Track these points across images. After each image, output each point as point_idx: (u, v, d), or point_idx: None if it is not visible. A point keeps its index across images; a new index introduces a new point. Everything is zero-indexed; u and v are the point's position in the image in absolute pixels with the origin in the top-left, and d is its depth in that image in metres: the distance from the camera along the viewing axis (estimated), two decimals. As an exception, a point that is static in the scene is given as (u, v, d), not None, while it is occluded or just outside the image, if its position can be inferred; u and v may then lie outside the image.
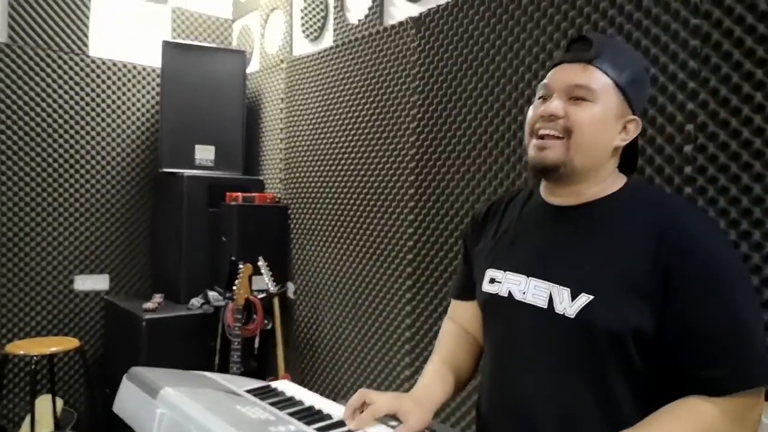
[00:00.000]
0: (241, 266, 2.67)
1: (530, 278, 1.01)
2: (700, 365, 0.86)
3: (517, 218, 1.11)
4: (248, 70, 3.59)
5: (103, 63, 3.40)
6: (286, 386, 1.20)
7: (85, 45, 3.35)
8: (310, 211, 3.00)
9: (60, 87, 3.26)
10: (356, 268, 2.64)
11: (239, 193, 3.14)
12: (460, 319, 1.23)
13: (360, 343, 2.61)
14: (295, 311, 3.10)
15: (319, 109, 2.95)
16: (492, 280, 1.08)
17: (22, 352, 2.68)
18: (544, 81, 1.02)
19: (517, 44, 1.91)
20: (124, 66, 3.46)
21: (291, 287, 3.15)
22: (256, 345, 2.73)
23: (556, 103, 0.97)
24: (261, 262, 2.76)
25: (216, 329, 2.86)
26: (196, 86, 3.29)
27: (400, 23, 2.40)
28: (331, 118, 2.86)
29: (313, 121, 3.00)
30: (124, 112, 3.48)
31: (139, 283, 3.55)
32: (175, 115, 3.24)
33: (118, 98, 3.46)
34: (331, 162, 2.85)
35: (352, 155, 2.69)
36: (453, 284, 1.31)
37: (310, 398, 1.12)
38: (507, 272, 1.05)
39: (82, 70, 3.33)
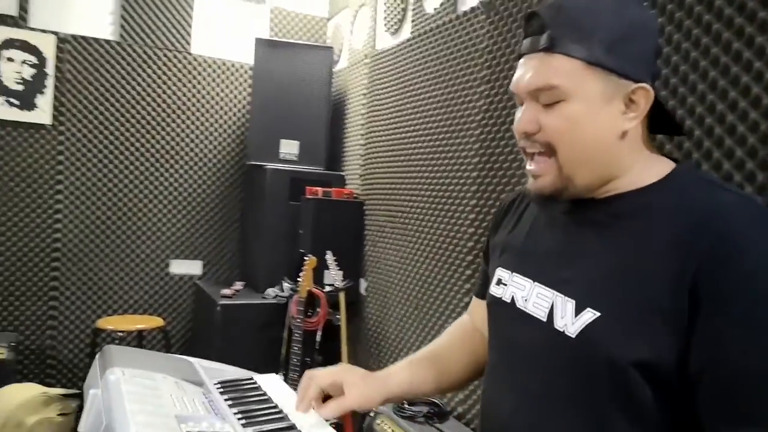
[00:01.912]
0: (306, 259, 2.67)
1: (535, 284, 0.84)
2: (719, 420, 0.66)
3: (538, 211, 0.93)
4: (338, 67, 3.61)
5: (204, 60, 3.59)
6: (270, 383, 1.13)
7: (188, 43, 3.56)
8: (384, 207, 2.93)
9: (164, 83, 3.50)
10: (420, 266, 2.52)
11: (319, 188, 3.15)
12: (476, 316, 1.10)
13: (423, 343, 2.48)
14: (366, 308, 3.04)
15: (396, 103, 2.87)
16: (499, 281, 0.93)
17: (110, 327, 2.90)
18: (511, 86, 0.83)
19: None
20: (223, 63, 3.64)
21: (363, 284, 3.10)
22: (318, 339, 2.71)
23: (526, 117, 0.78)
24: (329, 256, 2.74)
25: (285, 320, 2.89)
26: (285, 82, 3.36)
27: (472, 9, 2.25)
28: (405, 111, 2.76)
29: (390, 114, 2.92)
30: (222, 108, 3.65)
31: (228, 271, 3.71)
32: (263, 110, 3.33)
33: (217, 94, 3.64)
34: (403, 156, 2.76)
35: (422, 149, 2.58)
36: (476, 280, 1.17)
37: (285, 398, 1.04)
38: (513, 273, 0.90)
39: (184, 67, 3.55)
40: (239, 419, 0.86)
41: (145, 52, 3.44)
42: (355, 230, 3.15)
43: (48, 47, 3.21)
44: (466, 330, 1.08)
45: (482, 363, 1.02)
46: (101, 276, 3.39)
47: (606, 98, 0.75)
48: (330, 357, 2.85)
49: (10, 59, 3.13)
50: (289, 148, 3.36)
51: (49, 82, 3.22)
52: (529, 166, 0.82)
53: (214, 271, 3.67)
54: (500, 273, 0.94)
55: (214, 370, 1.14)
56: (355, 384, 0.91)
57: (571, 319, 0.76)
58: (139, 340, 3.21)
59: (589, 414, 0.74)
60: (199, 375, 1.04)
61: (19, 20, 3.14)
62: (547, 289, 0.82)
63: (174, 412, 0.78)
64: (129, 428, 0.69)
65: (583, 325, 0.74)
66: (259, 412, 0.92)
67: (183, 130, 3.56)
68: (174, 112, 3.53)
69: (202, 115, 3.61)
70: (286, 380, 2.64)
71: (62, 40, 3.24)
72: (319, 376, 0.93)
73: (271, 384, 1.12)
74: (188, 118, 3.57)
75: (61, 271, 3.30)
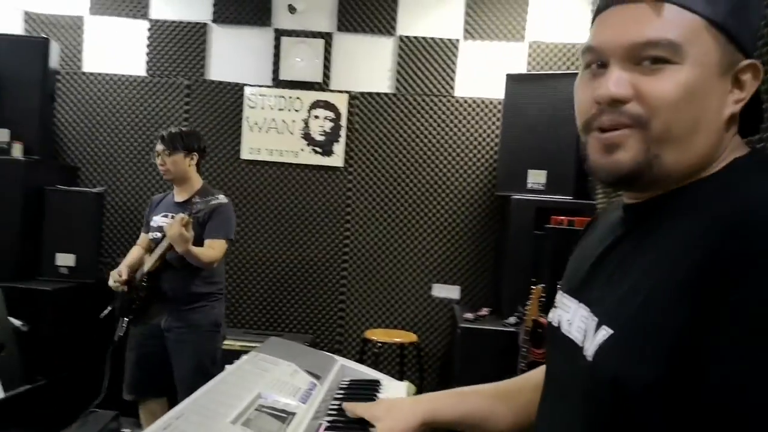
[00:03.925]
0: (533, 288, 2.65)
1: (580, 304, 0.75)
2: None
3: (601, 226, 0.86)
4: (594, 92, 3.48)
5: (465, 101, 3.90)
6: (394, 390, 1.26)
7: (452, 87, 3.93)
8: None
9: (430, 125, 3.93)
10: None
11: (564, 217, 3.09)
12: None
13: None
14: (609, 348, 2.82)
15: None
16: (554, 305, 0.87)
17: (374, 338, 3.37)
18: (589, 43, 0.69)
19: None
20: (482, 101, 3.89)
21: (608, 321, 2.88)
22: (545, 372, 2.64)
23: (617, 78, 0.64)
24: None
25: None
26: (535, 112, 3.41)
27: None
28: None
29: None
30: (479, 143, 3.90)
31: (483, 297, 3.87)
32: (512, 142, 3.45)
33: (476, 131, 3.90)
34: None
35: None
36: None
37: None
38: (564, 294, 0.84)
39: (447, 109, 3.92)
40: (327, 413, 1.03)
41: (415, 100, 3.94)
42: (600, 262, 2.96)
43: (342, 104, 3.96)
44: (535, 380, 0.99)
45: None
46: (376, 293, 3.95)
47: (722, 70, 0.63)
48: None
49: (316, 116, 3.98)
50: (536, 178, 3.38)
51: (342, 132, 3.96)
52: (599, 135, 0.68)
53: (471, 296, 3.89)
54: (557, 296, 0.87)
55: (353, 371, 1.33)
56: (381, 419, 0.93)
57: (591, 340, 0.67)
58: (400, 351, 3.62)
59: None
60: (329, 371, 1.25)
61: (323, 85, 3.98)
62: (585, 308, 0.73)
63: (262, 389, 1.00)
64: (211, 391, 0.94)
65: (597, 346, 0.65)
66: (345, 417, 1.06)
67: (445, 166, 3.92)
68: (437, 150, 3.92)
69: (462, 151, 3.91)
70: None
71: (352, 97, 3.96)
72: (358, 407, 0.98)
73: (395, 391, 1.26)
74: (449, 154, 3.92)
75: (347, 287, 3.97)
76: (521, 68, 3.84)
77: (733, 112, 0.65)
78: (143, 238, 2.89)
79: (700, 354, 0.55)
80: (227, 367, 1.12)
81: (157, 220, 2.76)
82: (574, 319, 0.76)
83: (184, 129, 2.84)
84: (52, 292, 3.33)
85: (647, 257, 0.65)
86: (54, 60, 3.70)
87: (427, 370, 3.81)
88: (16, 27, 4.01)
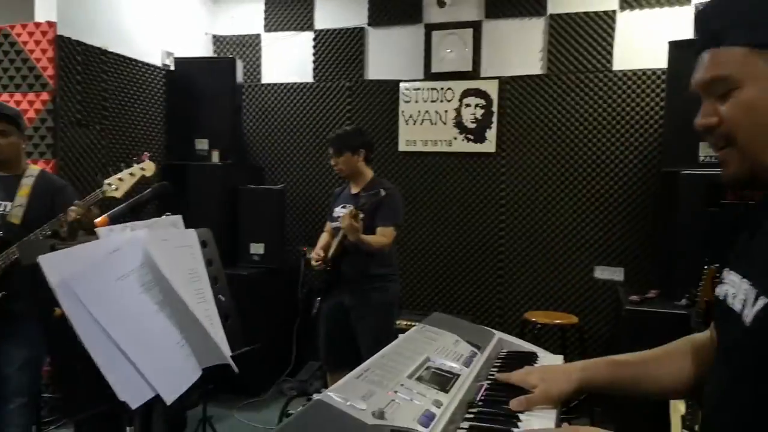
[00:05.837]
0: (705, 269, 2.51)
1: (743, 279, 0.82)
2: None
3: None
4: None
5: (624, 74, 3.74)
6: (548, 362, 1.36)
7: (609, 62, 3.78)
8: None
9: (586, 102, 3.83)
10: None
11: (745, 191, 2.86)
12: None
13: None
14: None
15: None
16: (721, 281, 0.92)
17: (534, 319, 3.42)
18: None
19: None
20: (644, 73, 3.69)
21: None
22: (720, 356, 2.49)
23: (704, 112, 0.82)
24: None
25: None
26: (703, 81, 3.17)
27: None
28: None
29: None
30: (641, 117, 3.71)
31: (651, 279, 3.70)
32: (679, 113, 3.23)
33: (637, 104, 3.72)
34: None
35: None
36: None
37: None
38: (730, 271, 0.89)
39: (605, 84, 3.79)
40: (487, 377, 1.17)
41: (569, 78, 3.86)
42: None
43: (493, 90, 4.02)
44: (694, 343, 1.03)
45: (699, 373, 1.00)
46: (534, 275, 3.98)
47: None
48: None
49: (467, 105, 4.09)
50: (709, 150, 3.14)
51: (494, 118, 4.03)
52: (715, 153, 0.85)
53: (638, 278, 3.73)
54: (724, 272, 0.92)
55: (510, 343, 1.46)
56: (535, 385, 1.02)
57: (750, 308, 0.76)
58: (561, 333, 3.62)
59: (757, 410, 0.73)
60: (488, 342, 1.39)
61: (473, 73, 4.07)
62: (747, 281, 0.80)
63: (430, 354, 1.17)
64: (389, 353, 1.13)
65: (755, 313, 0.74)
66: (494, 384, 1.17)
67: (604, 144, 3.80)
68: (595, 128, 3.81)
69: (622, 126, 3.75)
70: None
71: (503, 82, 4.00)
72: (510, 377, 1.09)
73: (550, 363, 1.36)
74: (608, 132, 3.78)
75: (505, 270, 4.05)
76: (686, 34, 3.56)
77: None
78: (329, 225, 3.25)
79: None
80: (400, 335, 1.31)
81: (338, 210, 3.10)
82: (738, 292, 0.83)
83: (348, 129, 3.12)
84: (248, 276, 3.88)
85: None
86: (239, 75, 4.27)
87: (590, 353, 3.75)
88: (207, 50, 4.68)
